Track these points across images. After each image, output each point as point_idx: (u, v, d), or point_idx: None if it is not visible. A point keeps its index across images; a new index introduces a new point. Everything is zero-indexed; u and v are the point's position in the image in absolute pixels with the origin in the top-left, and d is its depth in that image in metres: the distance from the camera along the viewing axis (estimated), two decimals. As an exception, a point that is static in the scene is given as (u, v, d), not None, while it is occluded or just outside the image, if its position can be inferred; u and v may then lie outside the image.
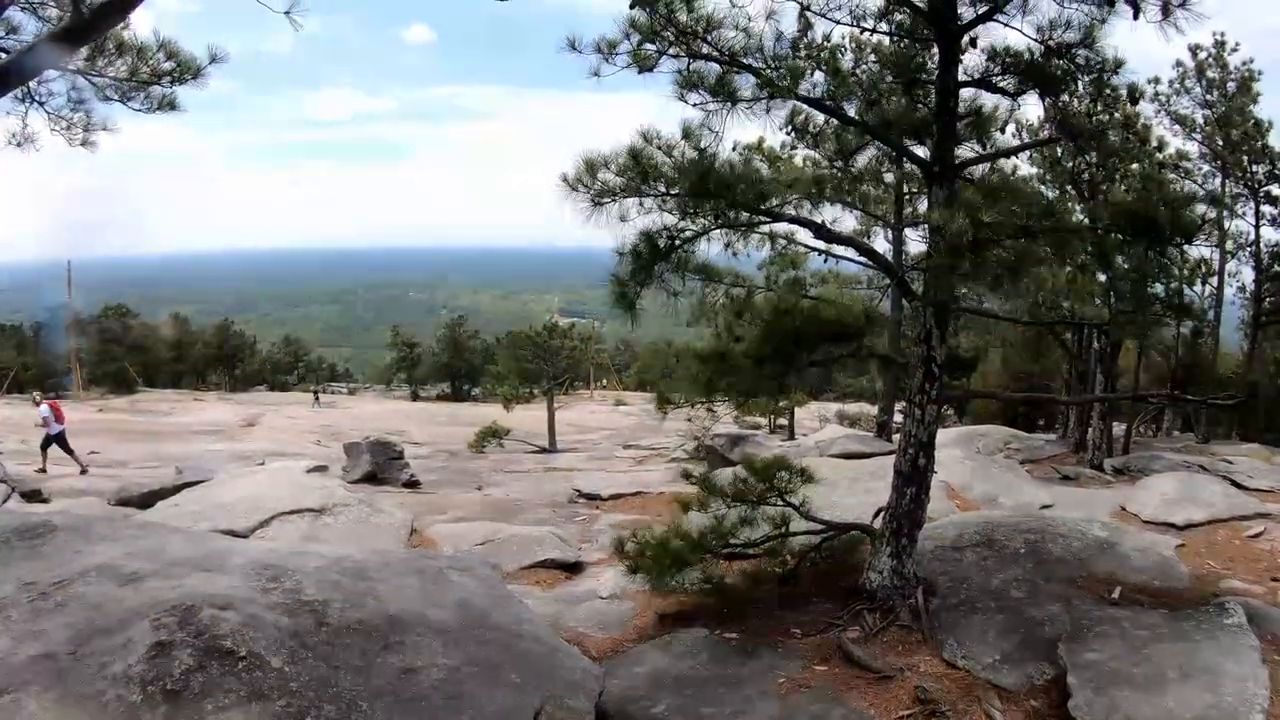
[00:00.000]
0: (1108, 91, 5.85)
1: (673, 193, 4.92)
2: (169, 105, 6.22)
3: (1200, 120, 17.30)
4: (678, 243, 5.09)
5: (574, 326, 28.21)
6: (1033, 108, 6.57)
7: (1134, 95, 7.40)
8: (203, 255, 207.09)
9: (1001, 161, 9.27)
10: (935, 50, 5.31)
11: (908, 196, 14.06)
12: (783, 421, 24.70)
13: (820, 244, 6.83)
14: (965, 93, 5.44)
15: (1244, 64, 16.97)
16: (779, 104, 5.06)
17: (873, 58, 5.89)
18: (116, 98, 6.19)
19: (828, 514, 6.52)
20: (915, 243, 14.02)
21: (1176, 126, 17.25)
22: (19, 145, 6.37)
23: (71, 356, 37.12)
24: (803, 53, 5.41)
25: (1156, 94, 17.04)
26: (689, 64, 4.98)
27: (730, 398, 6.15)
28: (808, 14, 5.30)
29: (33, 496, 10.60)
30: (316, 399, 34.83)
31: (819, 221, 5.37)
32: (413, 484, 13.07)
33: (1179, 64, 17.18)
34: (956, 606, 5.35)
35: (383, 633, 3.70)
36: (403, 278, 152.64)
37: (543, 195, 5.03)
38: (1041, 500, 9.26)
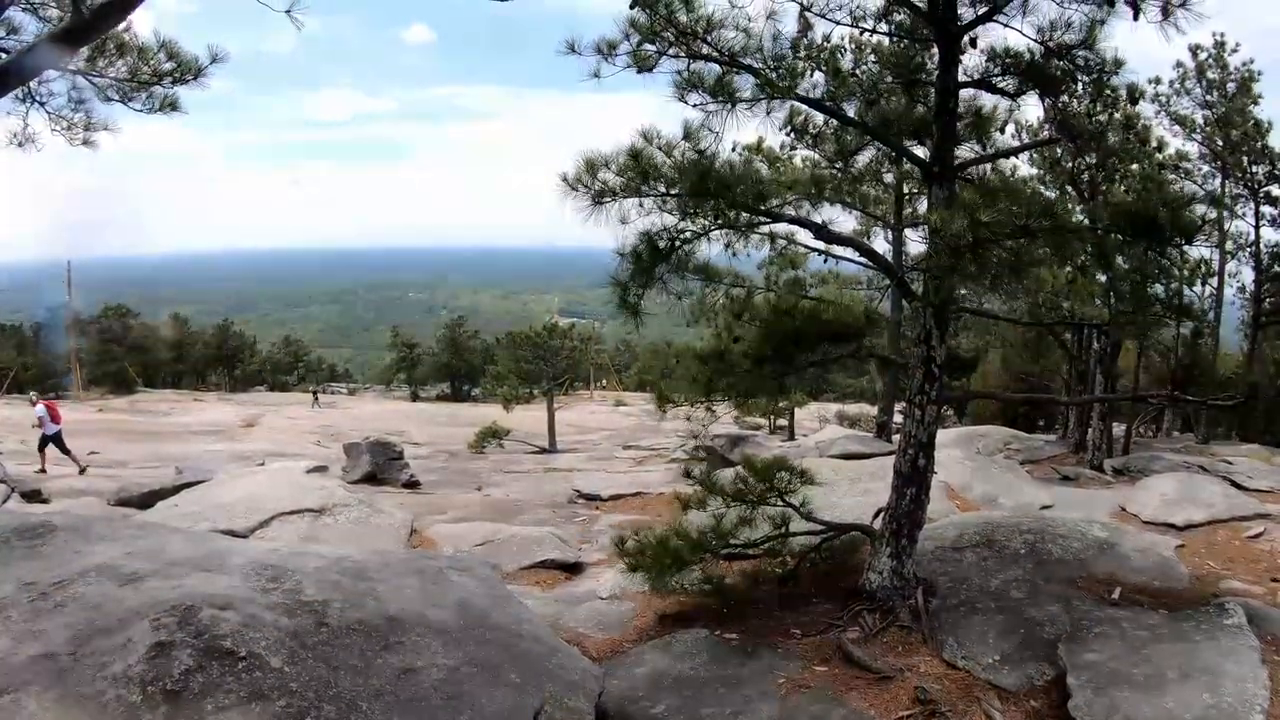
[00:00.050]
0: (1107, 92, 5.87)
1: (673, 193, 4.92)
2: (170, 106, 6.23)
3: (1200, 121, 17.32)
4: (678, 244, 5.09)
5: (574, 327, 28.20)
6: (1033, 108, 6.58)
7: (1134, 96, 7.42)
8: (203, 255, 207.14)
9: (1001, 162, 9.28)
10: (935, 51, 5.31)
11: (907, 197, 14.07)
12: (782, 422, 24.70)
13: (820, 244, 6.83)
14: (965, 93, 5.44)
15: (1244, 64, 17.00)
16: (779, 104, 5.06)
17: (872, 58, 5.90)
18: (117, 98, 6.20)
19: (827, 514, 6.53)
20: (915, 243, 14.03)
21: (1176, 127, 17.27)
22: (20, 145, 6.38)
23: (71, 357, 37.13)
24: (802, 53, 5.41)
25: (1157, 94, 17.06)
26: (689, 64, 4.98)
27: (730, 398, 6.14)
28: (807, 14, 5.30)
29: (32, 497, 10.59)
30: (316, 399, 34.83)
31: (819, 222, 5.37)
32: (412, 484, 13.07)
33: (1179, 64, 17.20)
34: (956, 607, 5.35)
35: (382, 633, 3.70)
36: (403, 278, 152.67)
37: (543, 195, 5.04)
38: (1041, 501, 9.26)
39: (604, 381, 46.80)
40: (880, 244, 13.96)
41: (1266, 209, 17.57)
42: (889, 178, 13.01)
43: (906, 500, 5.45)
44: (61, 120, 6.44)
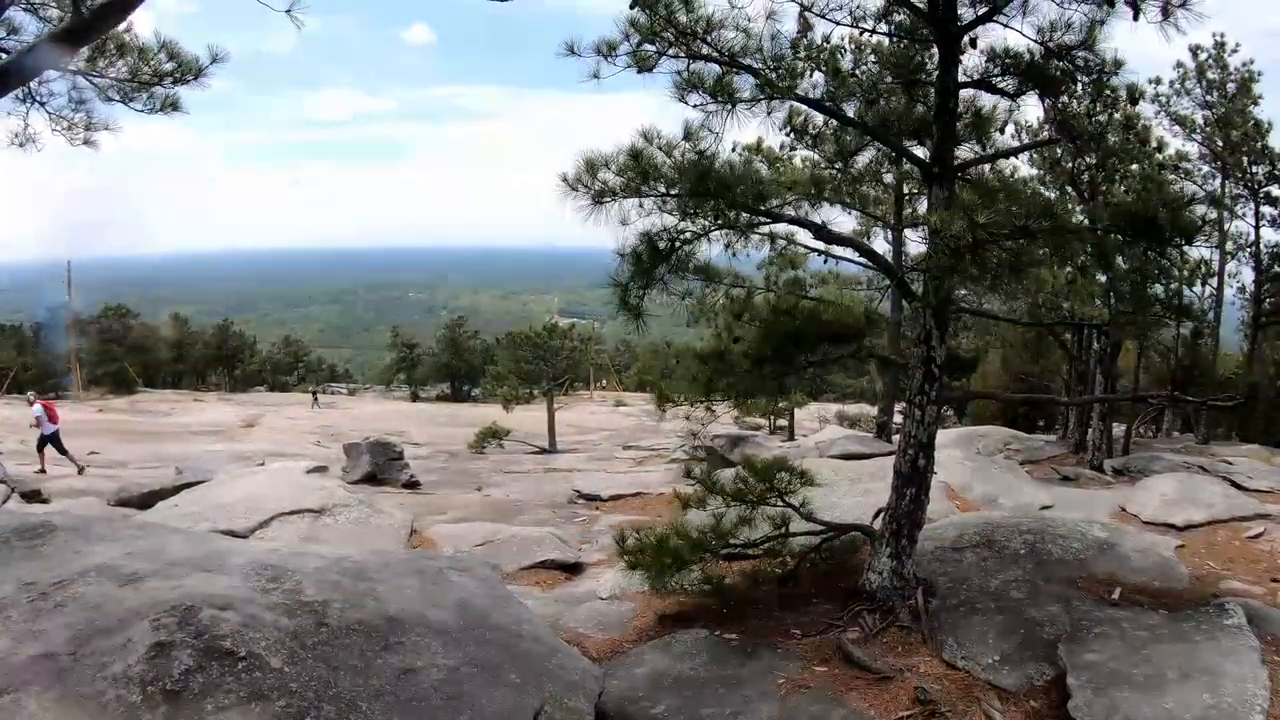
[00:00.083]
0: (1107, 92, 5.86)
1: (673, 193, 4.92)
2: (172, 106, 6.23)
3: (1200, 121, 17.32)
4: (678, 244, 5.09)
5: (574, 327, 28.20)
6: (1032, 108, 6.58)
7: (1134, 96, 7.42)
8: (203, 255, 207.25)
9: (1002, 162, 9.29)
10: (935, 51, 5.31)
11: (907, 197, 14.07)
12: (782, 422, 24.70)
13: (820, 245, 6.83)
14: (964, 93, 5.44)
15: (1244, 65, 17.01)
16: (778, 105, 5.06)
17: (872, 58, 5.89)
18: (118, 98, 6.21)
19: (827, 515, 6.53)
20: (915, 243, 14.05)
21: (1176, 127, 17.27)
22: (21, 146, 6.39)
23: (71, 357, 37.14)
24: (802, 53, 5.41)
25: (1157, 95, 17.06)
26: (689, 65, 4.98)
27: (729, 398, 6.14)
28: (807, 15, 5.30)
29: (32, 497, 10.59)
30: (315, 400, 34.83)
31: (818, 222, 5.37)
32: (412, 484, 13.07)
33: (1179, 65, 17.20)
34: (956, 607, 5.35)
35: (382, 633, 3.70)
36: (403, 278, 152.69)
37: (543, 195, 5.05)
38: (1041, 501, 9.26)
39: (604, 382, 46.81)
40: (880, 244, 13.98)
41: (1266, 209, 17.58)
42: (889, 178, 13.01)
43: (906, 500, 5.45)
44: (62, 120, 6.45)
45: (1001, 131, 6.03)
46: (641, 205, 4.98)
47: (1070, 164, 11.66)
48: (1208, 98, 17.22)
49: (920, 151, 5.82)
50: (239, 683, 3.06)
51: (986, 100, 5.66)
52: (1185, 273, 10.39)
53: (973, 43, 5.12)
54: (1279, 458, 12.31)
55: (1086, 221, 5.49)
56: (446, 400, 42.17)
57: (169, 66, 6.03)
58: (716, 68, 5.00)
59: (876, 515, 5.90)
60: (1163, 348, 14.99)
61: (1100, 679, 4.29)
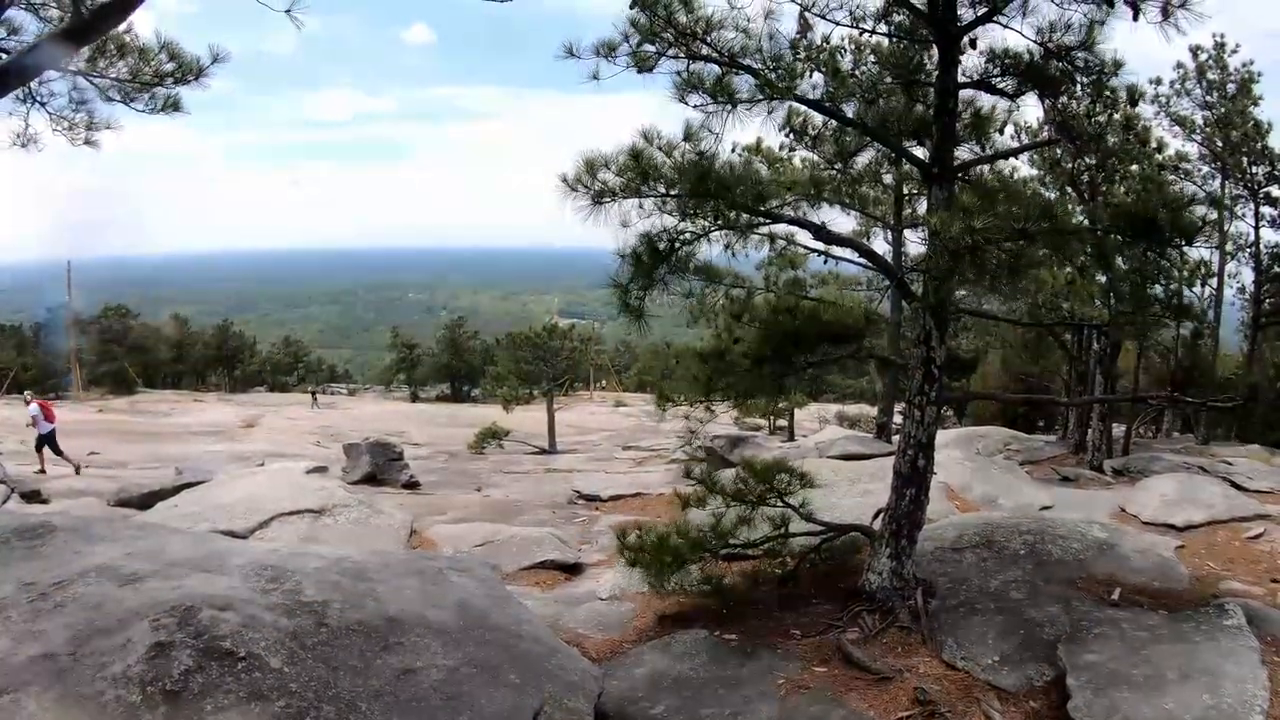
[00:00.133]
0: (1107, 93, 5.86)
1: (673, 193, 4.92)
2: (173, 106, 6.23)
3: (1200, 122, 17.31)
4: (677, 245, 5.10)
5: (574, 327, 28.18)
6: (1032, 109, 6.59)
7: (1133, 97, 7.41)
8: (203, 255, 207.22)
9: (1002, 163, 9.29)
10: (934, 51, 5.31)
11: (907, 197, 14.07)
12: (782, 423, 24.70)
13: (819, 245, 6.85)
14: (964, 94, 5.45)
15: (1244, 65, 16.99)
16: (778, 105, 5.06)
17: (872, 59, 5.89)
18: (119, 99, 6.21)
19: (827, 515, 6.53)
20: (915, 244, 14.05)
21: (1176, 128, 17.26)
22: (23, 146, 6.39)
23: (71, 357, 37.13)
24: (802, 54, 5.41)
25: (1157, 95, 17.05)
26: (688, 65, 4.99)
27: (729, 398, 6.15)
28: (807, 15, 5.31)
29: (32, 497, 10.59)
30: (314, 400, 34.83)
31: (818, 223, 5.37)
32: (412, 485, 13.07)
33: (1179, 65, 17.19)
34: (956, 608, 5.35)
35: (382, 633, 3.70)
36: (403, 278, 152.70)
37: (543, 195, 5.05)
38: (1041, 501, 9.26)
39: (604, 382, 46.81)
40: (880, 244, 13.98)
41: (1266, 210, 17.57)
42: (888, 178, 13.01)
43: (906, 501, 5.46)
44: (63, 120, 6.44)
45: (1001, 132, 6.04)
46: (641, 206, 4.98)
47: (1070, 165, 11.66)
48: (1208, 98, 17.22)
49: (920, 152, 5.82)
50: (238, 683, 3.07)
51: (986, 101, 5.67)
52: (1185, 273, 10.41)
53: (972, 43, 5.12)
54: (1279, 458, 12.31)
55: (1086, 222, 5.49)
56: (446, 401, 42.17)
57: (170, 67, 6.03)
58: (716, 68, 5.00)
59: (876, 516, 5.90)
60: (1163, 348, 15.02)
61: (1100, 679, 4.30)
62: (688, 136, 5.06)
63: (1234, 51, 16.94)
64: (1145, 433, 19.40)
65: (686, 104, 5.02)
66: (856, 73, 5.70)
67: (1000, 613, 5.22)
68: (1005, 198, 4.93)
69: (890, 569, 5.44)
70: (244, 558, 4.13)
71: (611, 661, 5.23)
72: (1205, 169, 17.50)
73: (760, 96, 4.94)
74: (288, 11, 4.80)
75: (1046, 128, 7.78)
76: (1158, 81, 17.00)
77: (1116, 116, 8.87)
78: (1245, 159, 17.17)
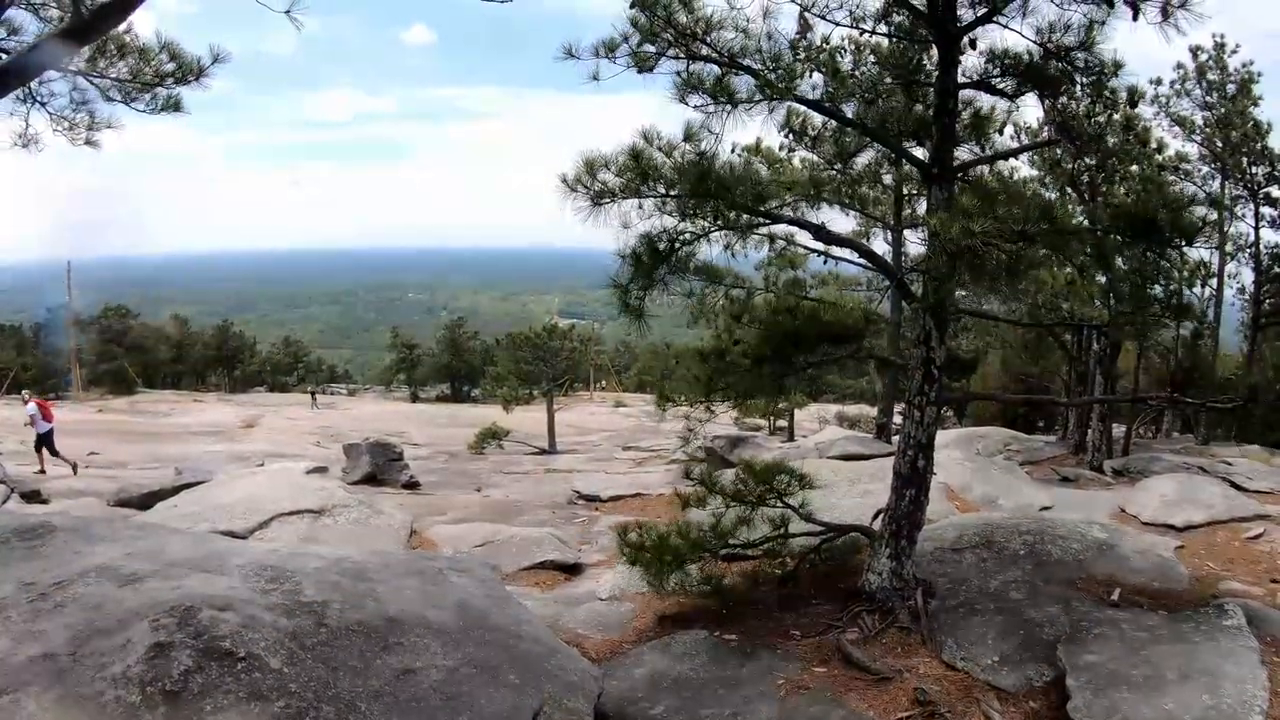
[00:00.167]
0: (1107, 94, 5.86)
1: (673, 194, 4.93)
2: (174, 106, 6.23)
3: (1200, 122, 17.31)
4: (677, 245, 5.10)
5: (574, 328, 28.19)
6: (1032, 109, 6.59)
7: (1133, 97, 7.42)
8: (203, 255, 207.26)
9: (1001, 163, 9.29)
10: (934, 52, 5.32)
11: (907, 197, 14.07)
12: (782, 423, 24.71)
13: (819, 245, 6.86)
14: (964, 94, 5.45)
15: (1244, 66, 16.99)
16: (778, 105, 5.06)
17: (872, 59, 5.90)
18: (119, 99, 6.21)
19: (827, 515, 6.53)
20: (914, 244, 14.06)
21: (1176, 128, 17.26)
22: (24, 146, 6.39)
23: (71, 357, 37.13)
24: (801, 54, 5.42)
25: (1156, 96, 17.05)
26: (688, 65, 4.99)
27: (729, 398, 6.15)
28: (807, 15, 5.31)
29: (32, 497, 10.59)
30: (314, 400, 34.82)
31: (818, 223, 5.38)
32: (412, 485, 13.07)
33: (1179, 66, 17.19)
34: (956, 608, 5.35)
35: (382, 634, 3.70)
36: (403, 278, 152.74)
37: (543, 195, 5.05)
38: (1041, 502, 9.26)
39: (604, 382, 46.81)
40: (880, 245, 13.99)
41: (1266, 210, 17.56)
42: (888, 179, 13.02)
43: (906, 501, 5.46)
44: (63, 121, 6.44)
45: (1001, 132, 6.06)
46: (641, 206, 4.99)
47: (1070, 165, 11.66)
48: (1207, 99, 17.22)
49: (920, 152, 5.82)
50: (238, 683, 3.06)
51: (986, 101, 5.67)
52: (1185, 274, 10.40)
53: (972, 44, 5.12)
54: (1279, 458, 12.32)
55: (1086, 223, 5.49)
56: (446, 401, 42.18)
57: (170, 67, 6.03)
58: (716, 68, 5.01)
59: (876, 516, 5.90)
60: (1162, 349, 15.02)
61: (1099, 680, 4.30)
62: (688, 137, 5.07)
63: (1234, 52, 16.95)
64: (1145, 433, 19.41)
65: (686, 104, 5.03)
66: (856, 73, 5.71)
67: (1000, 613, 5.22)
68: (1005, 198, 4.93)
69: (890, 569, 5.44)
70: (244, 558, 4.13)
71: (611, 662, 5.23)
72: (1205, 169, 17.50)
73: (760, 97, 4.94)
74: (287, 12, 4.80)
75: (1046, 128, 7.80)
76: (1158, 82, 17.01)
77: (1116, 117, 8.88)
78: (1245, 159, 17.17)
